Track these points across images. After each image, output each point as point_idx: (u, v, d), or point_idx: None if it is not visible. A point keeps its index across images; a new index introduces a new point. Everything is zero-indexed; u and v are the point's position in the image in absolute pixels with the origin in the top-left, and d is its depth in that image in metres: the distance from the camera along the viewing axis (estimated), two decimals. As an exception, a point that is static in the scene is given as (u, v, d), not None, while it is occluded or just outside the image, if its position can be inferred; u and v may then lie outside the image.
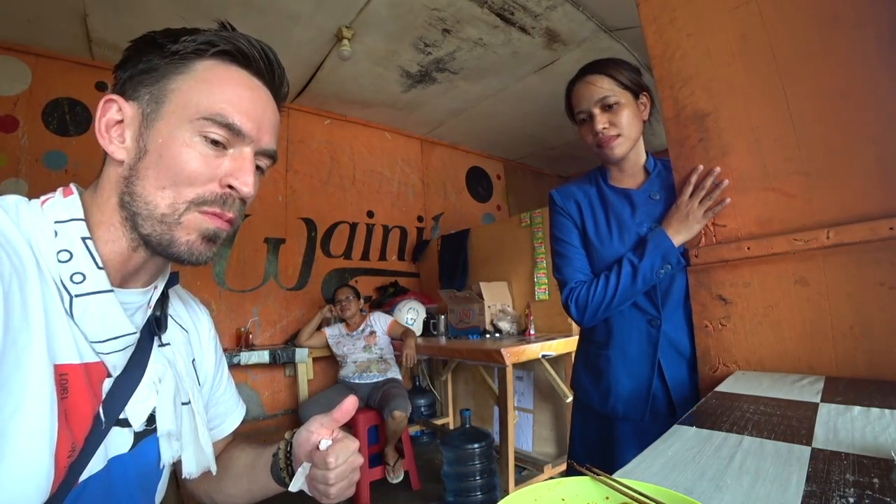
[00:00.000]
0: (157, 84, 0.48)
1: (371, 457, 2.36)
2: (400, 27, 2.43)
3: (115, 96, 0.49)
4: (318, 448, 0.55)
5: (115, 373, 0.50)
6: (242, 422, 0.75)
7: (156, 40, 0.48)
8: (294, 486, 0.57)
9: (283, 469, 0.61)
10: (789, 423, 0.53)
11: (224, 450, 0.72)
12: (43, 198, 0.48)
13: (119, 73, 0.50)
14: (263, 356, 2.55)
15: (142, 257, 0.51)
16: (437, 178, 4.20)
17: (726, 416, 0.58)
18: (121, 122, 0.49)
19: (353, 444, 0.56)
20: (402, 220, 3.86)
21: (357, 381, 2.63)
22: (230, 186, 0.50)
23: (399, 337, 2.69)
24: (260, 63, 0.51)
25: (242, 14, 2.21)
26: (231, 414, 0.73)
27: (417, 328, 3.17)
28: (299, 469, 0.56)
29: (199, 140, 0.47)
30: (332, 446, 0.55)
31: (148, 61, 0.48)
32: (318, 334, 2.81)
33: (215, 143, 0.48)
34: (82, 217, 0.48)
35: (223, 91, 0.48)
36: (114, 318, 0.48)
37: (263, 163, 0.54)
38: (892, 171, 0.70)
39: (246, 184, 0.50)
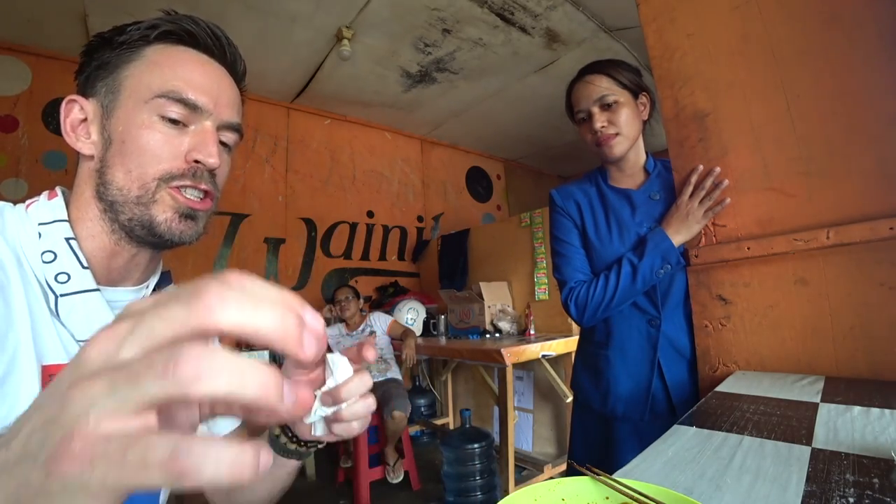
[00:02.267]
0: (111, 76, 0.49)
1: (371, 457, 2.36)
2: (400, 27, 2.42)
3: (75, 97, 0.50)
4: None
5: None
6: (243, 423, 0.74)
7: (104, 37, 0.50)
8: (316, 430, 0.41)
9: (279, 433, 0.48)
10: (789, 423, 0.53)
11: None
12: (28, 202, 0.49)
13: (78, 78, 0.52)
14: (263, 356, 2.54)
15: (127, 251, 0.51)
16: (437, 178, 4.20)
17: (726, 416, 0.58)
18: (84, 120, 0.50)
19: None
20: (402, 220, 3.86)
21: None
22: (196, 161, 0.50)
23: (399, 337, 2.68)
24: (208, 40, 0.52)
25: (242, 14, 2.21)
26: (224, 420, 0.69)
27: (417, 328, 3.17)
28: (315, 405, 0.39)
29: (158, 120, 0.48)
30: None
31: (100, 58, 0.50)
32: (318, 334, 2.80)
33: (174, 121, 0.49)
34: (66, 218, 0.48)
35: (174, 70, 0.49)
36: (100, 316, 0.48)
37: (228, 138, 0.54)
38: (892, 171, 0.70)
39: (210, 154, 0.50)
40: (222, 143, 0.54)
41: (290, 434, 0.48)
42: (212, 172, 0.52)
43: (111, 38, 0.50)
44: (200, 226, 0.53)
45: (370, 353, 0.40)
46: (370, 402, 0.41)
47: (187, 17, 0.51)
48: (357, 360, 0.40)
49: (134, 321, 0.18)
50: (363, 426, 0.42)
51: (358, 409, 0.40)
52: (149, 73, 0.48)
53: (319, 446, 0.49)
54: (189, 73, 0.50)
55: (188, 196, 0.50)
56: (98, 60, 0.50)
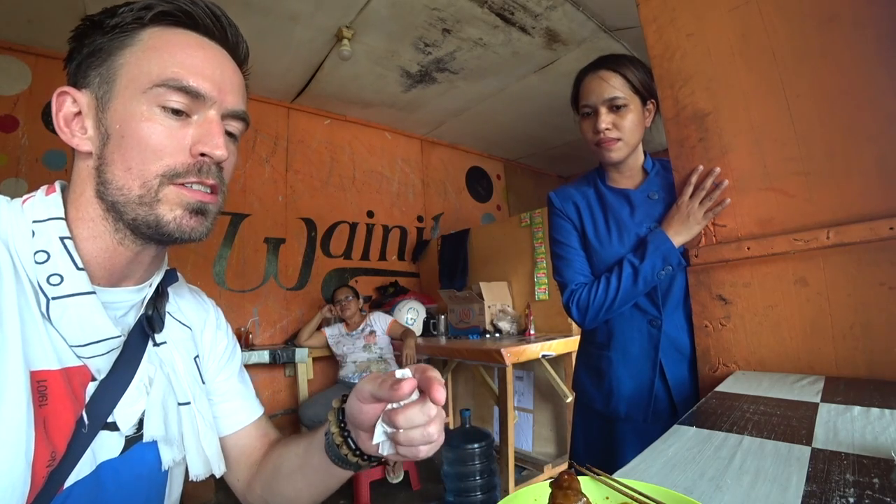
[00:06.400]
0: (105, 64, 0.45)
1: (371, 457, 2.36)
2: (400, 27, 2.42)
3: (67, 88, 0.46)
4: (393, 387, 0.40)
5: (100, 376, 0.47)
6: None
7: (94, 20, 0.46)
8: (383, 449, 0.43)
9: (342, 443, 0.48)
10: (789, 423, 0.53)
11: (269, 450, 0.64)
12: (25, 196, 0.46)
13: (68, 66, 0.48)
14: (263, 356, 2.54)
15: (131, 249, 0.48)
16: (437, 178, 4.20)
17: (726, 416, 0.58)
18: (78, 113, 0.46)
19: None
20: (402, 220, 3.86)
21: (357, 380, 2.62)
22: (202, 154, 0.46)
23: (399, 337, 2.69)
24: (207, 21, 0.48)
25: (242, 14, 2.20)
26: (243, 410, 0.65)
27: (417, 328, 3.17)
28: (378, 425, 0.42)
29: (159, 111, 0.45)
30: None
31: (91, 44, 0.46)
32: (317, 334, 2.81)
33: (177, 112, 0.45)
34: (62, 216, 0.45)
35: (173, 55, 0.45)
36: (94, 321, 0.45)
37: (234, 127, 0.51)
38: (892, 171, 0.70)
39: (217, 146, 0.46)
40: (228, 133, 0.50)
41: (353, 446, 0.48)
42: (219, 165, 0.49)
43: (102, 21, 0.45)
44: (210, 221, 0.50)
45: (440, 396, 0.39)
46: (430, 432, 0.40)
47: None
48: (421, 381, 0.40)
49: None
50: (431, 450, 0.42)
51: (413, 437, 0.40)
52: (146, 60, 0.44)
53: (379, 463, 0.49)
54: (189, 58, 0.46)
55: (195, 190, 0.47)
56: (90, 47, 0.46)
